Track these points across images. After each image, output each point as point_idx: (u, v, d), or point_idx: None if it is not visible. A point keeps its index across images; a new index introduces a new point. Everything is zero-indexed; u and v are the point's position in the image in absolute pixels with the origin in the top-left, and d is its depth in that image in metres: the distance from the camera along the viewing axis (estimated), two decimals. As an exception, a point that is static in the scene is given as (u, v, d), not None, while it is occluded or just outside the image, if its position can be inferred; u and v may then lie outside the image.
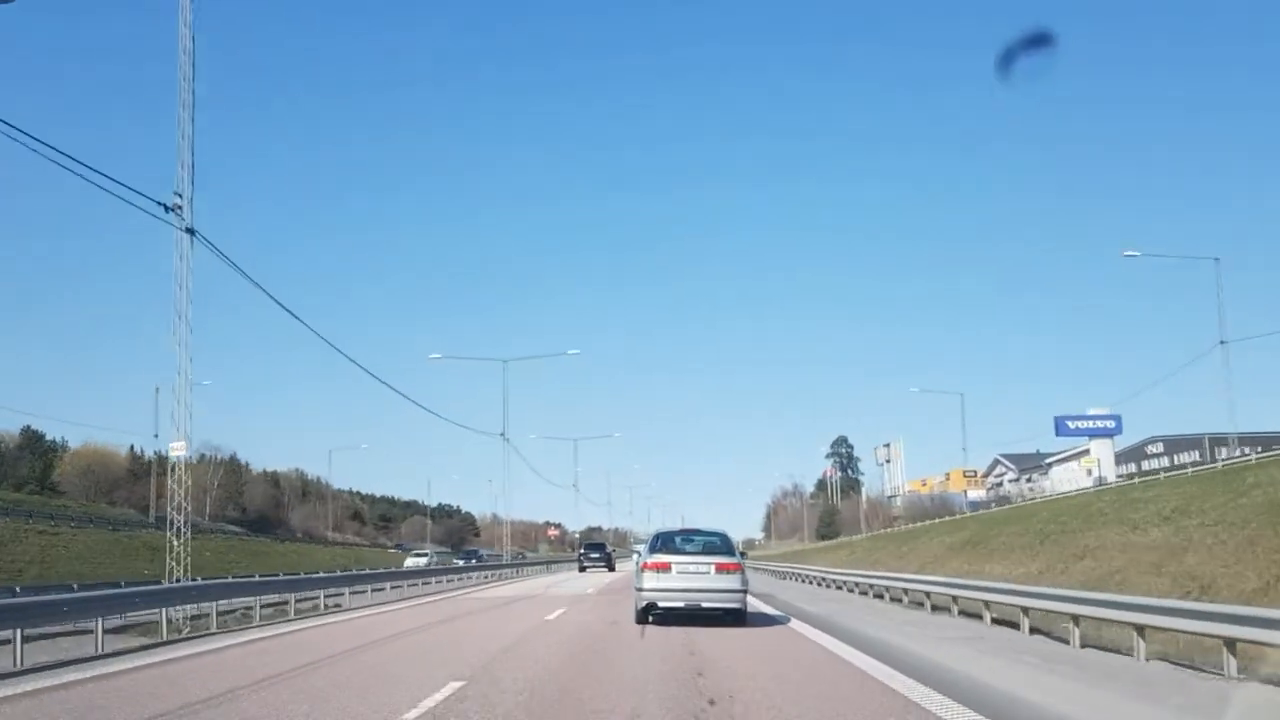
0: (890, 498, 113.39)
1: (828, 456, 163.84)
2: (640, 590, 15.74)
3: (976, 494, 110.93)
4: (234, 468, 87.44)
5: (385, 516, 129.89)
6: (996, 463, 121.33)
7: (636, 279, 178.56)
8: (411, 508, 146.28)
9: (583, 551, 57.68)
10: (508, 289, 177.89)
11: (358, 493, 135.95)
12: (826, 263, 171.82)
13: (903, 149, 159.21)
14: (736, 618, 15.74)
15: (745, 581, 15.95)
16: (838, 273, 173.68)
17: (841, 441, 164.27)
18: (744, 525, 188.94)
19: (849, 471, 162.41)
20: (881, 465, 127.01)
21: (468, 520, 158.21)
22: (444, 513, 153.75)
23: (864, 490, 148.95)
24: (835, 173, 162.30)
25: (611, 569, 53.27)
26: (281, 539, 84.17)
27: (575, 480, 74.21)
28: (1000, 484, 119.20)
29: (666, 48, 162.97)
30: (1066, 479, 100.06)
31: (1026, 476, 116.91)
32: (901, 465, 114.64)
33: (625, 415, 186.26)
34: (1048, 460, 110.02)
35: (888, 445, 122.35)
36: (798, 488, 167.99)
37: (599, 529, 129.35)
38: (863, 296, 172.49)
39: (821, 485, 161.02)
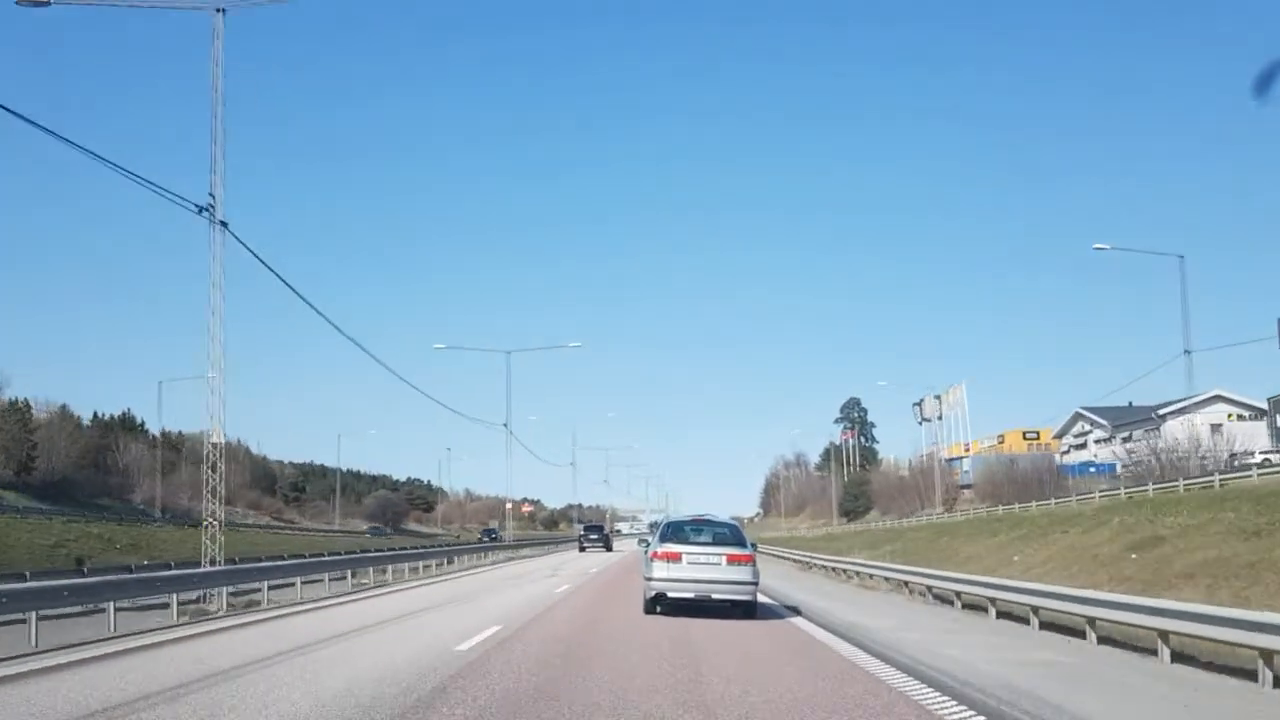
0: (951, 461, 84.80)
1: (837, 422, 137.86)
2: (650, 580, 14.66)
3: (1075, 458, 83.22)
4: (15, 412, 58.21)
5: (298, 486, 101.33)
6: (1078, 418, 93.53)
7: (625, 255, 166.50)
8: (376, 482, 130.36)
9: (582, 533, 62.43)
10: (494, 259, 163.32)
11: (303, 463, 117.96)
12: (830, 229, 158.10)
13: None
14: (746, 610, 14.59)
15: (757, 574, 14.83)
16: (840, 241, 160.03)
17: (853, 405, 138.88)
18: (737, 502, 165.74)
19: (863, 438, 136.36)
20: (928, 421, 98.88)
21: (418, 492, 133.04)
22: (391, 485, 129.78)
23: (880, 457, 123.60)
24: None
25: (609, 549, 55.55)
26: (95, 516, 55.53)
27: (507, 419, 46.26)
28: (1084, 444, 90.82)
29: (668, 24, 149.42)
30: (1184, 433, 70.52)
31: (1124, 435, 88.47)
32: (964, 418, 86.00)
33: (616, 394, 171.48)
34: (1161, 411, 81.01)
35: (938, 396, 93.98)
36: (801, 458, 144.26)
37: (579, 505, 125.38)
38: (866, 266, 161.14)
39: (831, 454, 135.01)
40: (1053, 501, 44.43)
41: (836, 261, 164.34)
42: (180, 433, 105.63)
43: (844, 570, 25.26)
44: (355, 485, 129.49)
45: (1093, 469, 78.25)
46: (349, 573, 21.08)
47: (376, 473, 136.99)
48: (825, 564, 27.96)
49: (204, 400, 19.79)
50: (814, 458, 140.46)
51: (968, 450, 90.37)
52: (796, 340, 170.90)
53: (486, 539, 62.82)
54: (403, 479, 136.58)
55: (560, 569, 30.37)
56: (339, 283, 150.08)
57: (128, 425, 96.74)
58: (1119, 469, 77.03)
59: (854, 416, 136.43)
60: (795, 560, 34.89)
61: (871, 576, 22.13)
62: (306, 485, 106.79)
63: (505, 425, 48.73)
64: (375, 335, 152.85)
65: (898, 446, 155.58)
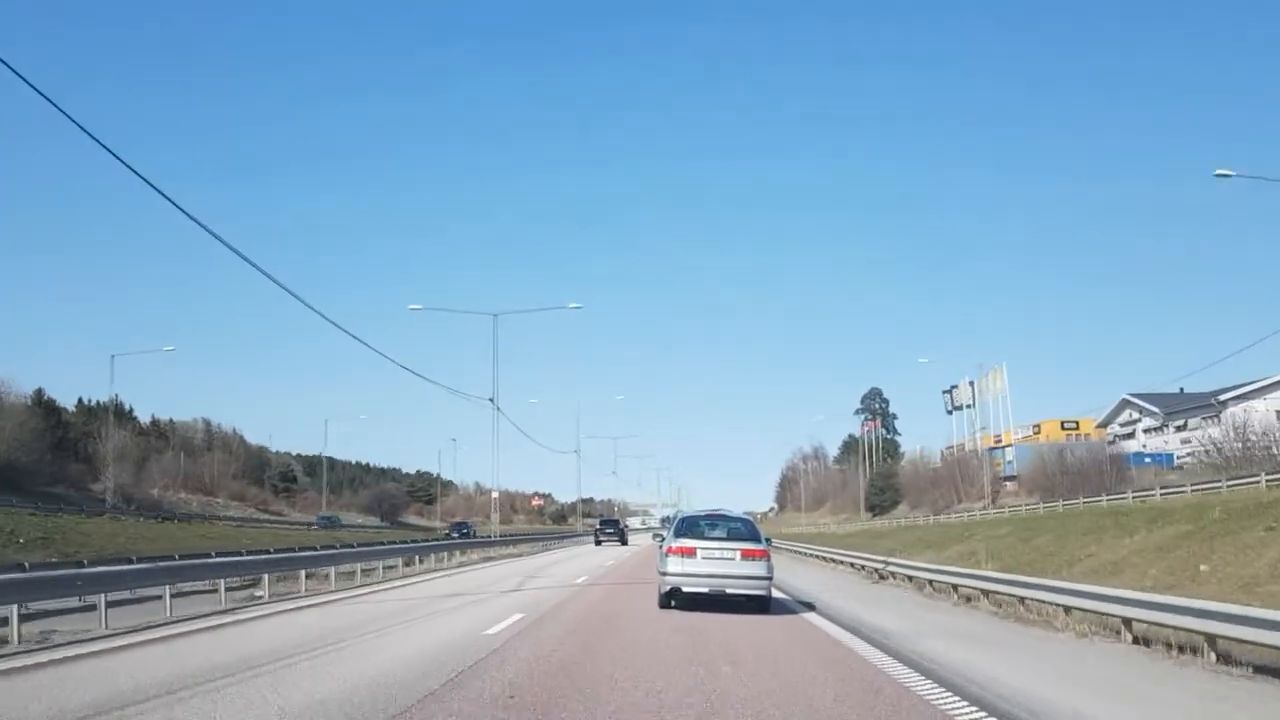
0: (991, 451, 75.37)
1: (858, 413, 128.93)
2: (665, 575, 14.20)
3: (1122, 449, 73.76)
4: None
5: (288, 476, 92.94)
6: (1125, 405, 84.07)
7: (634, 247, 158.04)
8: (385, 474, 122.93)
9: (598, 527, 61.20)
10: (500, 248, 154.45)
11: (312, 455, 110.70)
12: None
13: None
14: (760, 605, 14.06)
15: (770, 568, 14.26)
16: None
17: (874, 395, 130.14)
18: (750, 496, 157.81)
19: (885, 430, 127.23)
20: (959, 410, 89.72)
21: (421, 485, 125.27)
22: (399, 478, 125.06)
23: (902, 450, 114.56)
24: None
25: (624, 543, 54.16)
26: (25, 507, 47.35)
27: (494, 393, 37.43)
28: (1132, 433, 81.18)
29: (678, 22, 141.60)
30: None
31: (1178, 423, 79.03)
32: (1005, 404, 76.47)
33: (625, 386, 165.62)
34: (1222, 397, 71.50)
35: (972, 382, 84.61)
36: (819, 451, 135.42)
37: (590, 499, 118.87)
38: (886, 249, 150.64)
39: (850, 446, 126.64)
40: (1157, 492, 35.34)
41: (852, 252, 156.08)
42: (170, 420, 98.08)
43: (948, 583, 16.07)
44: (364, 478, 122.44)
45: (1148, 459, 68.56)
46: (165, 589, 12.19)
47: (386, 465, 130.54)
48: (912, 574, 18.73)
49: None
50: (832, 450, 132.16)
51: (998, 440, 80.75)
52: (812, 331, 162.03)
53: (455, 535, 53.36)
54: (411, 472, 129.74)
55: (535, 578, 21.38)
56: (347, 276, 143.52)
57: (115, 412, 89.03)
58: (1175, 459, 67.90)
59: (875, 408, 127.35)
60: (849, 564, 25.74)
61: (1024, 601, 12.97)
62: (299, 476, 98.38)
63: (491, 400, 39.74)
64: (384, 333, 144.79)
65: (921, 439, 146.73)
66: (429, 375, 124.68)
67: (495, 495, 40.10)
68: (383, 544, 28.62)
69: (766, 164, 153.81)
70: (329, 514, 79.95)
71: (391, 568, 22.35)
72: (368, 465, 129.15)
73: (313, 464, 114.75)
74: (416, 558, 24.72)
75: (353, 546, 25.13)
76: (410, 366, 71.70)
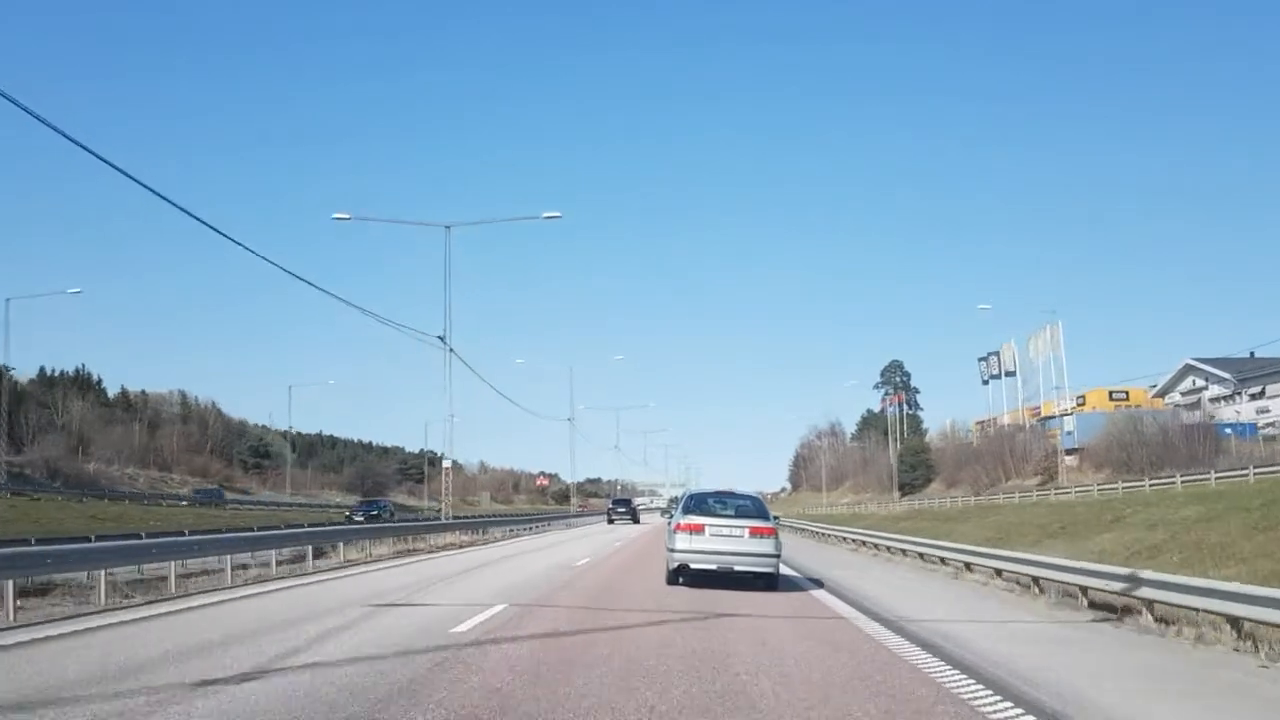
0: (1045, 421, 64.62)
1: (877, 387, 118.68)
2: (673, 551, 13.87)
3: (1204, 413, 62.92)
4: None
5: (260, 451, 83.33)
6: (1188, 371, 73.37)
7: (639, 228, 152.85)
8: (388, 454, 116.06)
9: (611, 506, 63.58)
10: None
11: (313, 434, 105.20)
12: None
13: None
14: (768, 582, 13.85)
15: (779, 546, 14.02)
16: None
17: (895, 369, 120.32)
18: (761, 476, 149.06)
19: (907, 405, 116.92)
20: (997, 378, 79.20)
21: (419, 463, 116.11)
22: (401, 457, 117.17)
23: (924, 426, 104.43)
24: None
25: (636, 521, 56.54)
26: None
27: (446, 330, 27.26)
28: (1196, 403, 70.36)
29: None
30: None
31: (1254, 390, 68.15)
32: (1062, 365, 65.31)
33: (626, 350, 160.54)
34: (1312, 358, 60.60)
35: (1014, 346, 73.76)
36: (836, 427, 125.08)
37: (598, 480, 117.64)
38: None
39: (869, 422, 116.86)
40: (1251, 472, 24.89)
41: (863, 227, 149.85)
42: (143, 392, 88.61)
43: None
44: (364, 456, 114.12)
45: (1227, 430, 57.70)
46: None
47: (390, 444, 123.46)
48: None
49: None
50: (849, 427, 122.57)
51: (1036, 412, 69.96)
52: (825, 306, 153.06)
53: (359, 518, 41.51)
54: (415, 450, 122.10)
55: (393, 606, 11.00)
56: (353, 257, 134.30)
57: (80, 383, 79.52)
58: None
59: (896, 381, 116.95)
60: (986, 568, 15.20)
61: None
62: (284, 453, 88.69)
63: (442, 338, 29.68)
64: (396, 310, 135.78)
65: (944, 415, 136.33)
66: (391, 324, 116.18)
67: (447, 464, 29.59)
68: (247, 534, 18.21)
69: (778, 135, 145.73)
70: (212, 487, 66.72)
71: (155, 580, 12.08)
72: (369, 444, 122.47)
73: (312, 443, 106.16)
74: (225, 559, 14.05)
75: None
76: (369, 313, 61.81)
